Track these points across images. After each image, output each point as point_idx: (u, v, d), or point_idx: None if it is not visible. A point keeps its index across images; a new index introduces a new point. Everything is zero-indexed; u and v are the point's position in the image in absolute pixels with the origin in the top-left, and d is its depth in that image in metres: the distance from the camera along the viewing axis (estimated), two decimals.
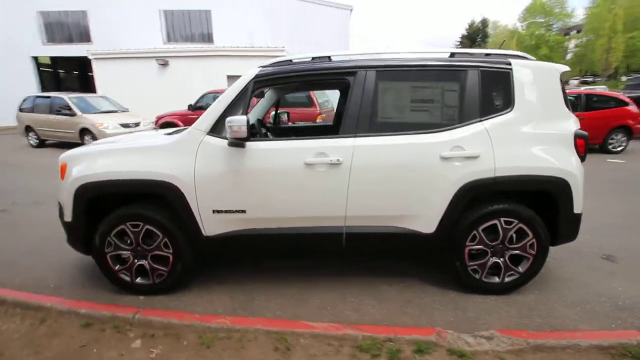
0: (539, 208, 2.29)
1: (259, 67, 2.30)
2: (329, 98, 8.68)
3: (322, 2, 17.65)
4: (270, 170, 2.18)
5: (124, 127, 9.06)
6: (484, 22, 43.44)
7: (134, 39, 15.44)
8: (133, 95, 13.07)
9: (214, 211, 2.23)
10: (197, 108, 8.89)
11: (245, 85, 2.24)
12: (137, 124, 9.30)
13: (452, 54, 2.32)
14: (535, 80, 2.24)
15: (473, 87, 2.21)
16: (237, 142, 2.12)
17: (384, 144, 2.16)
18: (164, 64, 14.01)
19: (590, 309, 2.22)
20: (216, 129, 2.24)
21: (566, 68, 2.34)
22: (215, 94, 8.91)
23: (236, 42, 14.73)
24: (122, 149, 2.35)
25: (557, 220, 2.27)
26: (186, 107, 9.25)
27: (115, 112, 9.90)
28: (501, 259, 2.34)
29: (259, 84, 2.26)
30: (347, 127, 2.19)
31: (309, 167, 2.15)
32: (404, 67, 2.22)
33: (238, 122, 2.01)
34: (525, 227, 2.27)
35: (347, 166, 2.15)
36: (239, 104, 2.25)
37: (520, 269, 2.35)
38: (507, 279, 2.36)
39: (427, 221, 2.25)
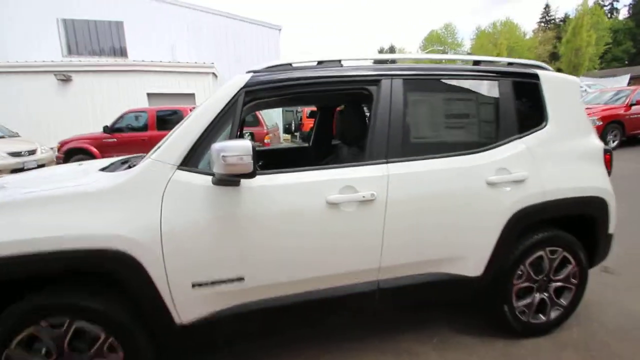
0: (573, 231, 2.06)
1: (249, 71, 1.66)
2: (269, 112, 8.12)
3: (251, 20, 17.16)
4: (280, 215, 1.53)
5: (14, 156, 7.11)
6: (392, 49, 48.71)
7: (27, 51, 12.86)
8: (25, 117, 10.70)
9: (193, 285, 1.47)
10: (115, 130, 7.46)
11: (233, 97, 1.58)
12: (32, 152, 7.41)
13: (477, 62, 1.99)
14: (561, 92, 2.03)
15: (508, 99, 1.90)
16: (231, 180, 1.43)
17: (423, 169, 1.69)
18: (66, 80, 11.81)
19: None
20: (190, 160, 1.52)
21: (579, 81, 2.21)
22: (138, 114, 7.61)
23: (156, 57, 13.26)
24: (24, 200, 1.41)
25: (596, 242, 2.06)
26: (98, 130, 7.70)
27: (2, 137, 7.80)
28: (546, 294, 2.03)
29: (252, 94, 1.62)
30: (375, 151, 1.67)
31: (333, 207, 1.57)
32: (435, 75, 1.81)
33: (238, 150, 1.33)
34: (568, 255, 2.00)
35: (382, 201, 1.61)
36: (224, 123, 1.57)
37: (564, 301, 2.07)
38: (552, 315, 2.06)
39: (474, 261, 1.83)
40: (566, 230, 2.01)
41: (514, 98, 1.91)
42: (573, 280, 2.05)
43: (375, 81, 1.71)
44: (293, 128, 15.92)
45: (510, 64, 2.05)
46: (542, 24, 47.73)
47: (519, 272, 1.94)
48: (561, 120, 1.98)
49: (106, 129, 7.50)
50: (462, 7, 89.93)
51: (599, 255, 2.11)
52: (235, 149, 1.33)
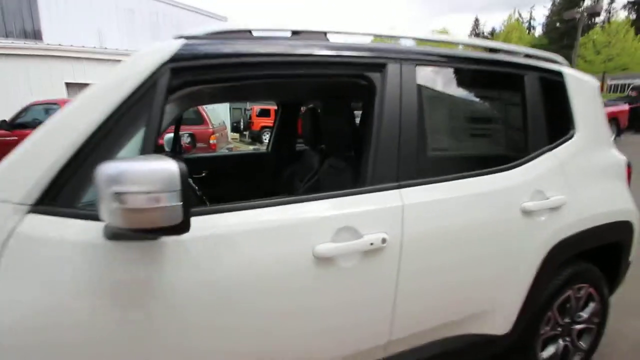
0: (595, 261, 1.72)
1: (177, 36, 0.99)
2: (215, 110, 7.22)
3: (194, 9, 15.75)
4: (235, 289, 0.89)
5: None
6: None
7: None
8: None
9: None
10: (17, 126, 6.01)
11: (148, 79, 0.90)
12: None
13: (493, 50, 1.53)
14: (586, 94, 1.66)
15: (537, 99, 1.47)
16: (139, 235, 0.77)
17: (447, 196, 1.17)
18: None
19: None
20: (59, 194, 0.82)
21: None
22: (48, 106, 6.24)
23: (80, 41, 11.42)
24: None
25: (617, 273, 1.74)
26: None
27: None
28: (568, 339, 1.65)
29: (183, 75, 0.95)
30: (380, 170, 1.11)
31: (324, 263, 0.97)
32: (459, 61, 1.29)
33: (150, 180, 0.67)
34: (593, 291, 1.65)
35: (396, 247, 1.06)
36: (130, 125, 0.89)
37: (584, 344, 1.72)
38: None
39: (504, 315, 1.36)
40: (589, 261, 1.66)
41: (542, 98, 1.48)
42: (595, 320, 1.71)
43: (379, 66, 1.15)
44: (242, 126, 14.93)
45: (528, 55, 1.63)
46: (473, 37, 51.77)
47: (547, 319, 1.53)
48: (588, 129, 1.61)
49: (4, 125, 6.02)
50: (402, 16, 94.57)
51: (617, 284, 1.80)
52: (143, 179, 0.66)
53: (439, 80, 1.28)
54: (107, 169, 0.67)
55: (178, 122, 2.28)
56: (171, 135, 2.36)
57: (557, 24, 38.40)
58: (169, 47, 0.94)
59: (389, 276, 1.07)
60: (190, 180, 1.34)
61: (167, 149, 2.35)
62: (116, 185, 0.65)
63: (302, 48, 1.07)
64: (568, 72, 1.62)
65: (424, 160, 1.19)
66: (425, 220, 1.12)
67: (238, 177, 2.47)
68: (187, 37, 0.98)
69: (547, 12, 42.77)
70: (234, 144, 11.92)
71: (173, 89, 0.94)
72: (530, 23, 50.26)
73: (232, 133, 14.09)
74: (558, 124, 1.54)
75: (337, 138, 1.46)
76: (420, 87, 1.20)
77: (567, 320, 1.61)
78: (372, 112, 1.14)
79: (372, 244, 1.00)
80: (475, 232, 1.21)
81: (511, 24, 30.25)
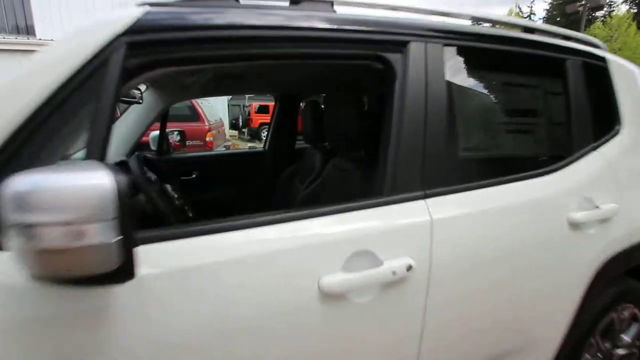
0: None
1: (143, 3, 0.75)
2: (213, 106, 6.97)
3: None
4: (213, 339, 0.67)
5: None
6: None
7: None
8: None
9: None
10: None
11: (95, 55, 0.66)
12: None
13: (529, 29, 1.29)
14: (631, 84, 1.43)
15: (579, 89, 1.24)
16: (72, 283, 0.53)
17: (483, 207, 0.95)
18: None
19: None
20: None
21: None
22: None
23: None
24: None
25: None
26: None
27: None
28: None
29: (146, 50, 0.71)
30: (402, 175, 0.88)
31: (333, 300, 0.75)
32: (494, 41, 1.05)
33: (71, 199, 0.43)
34: (637, 311, 1.44)
35: (423, 274, 0.83)
36: (70, 117, 0.66)
37: None
38: None
39: (544, 349, 1.14)
40: (634, 277, 1.44)
41: (585, 87, 1.25)
42: (638, 343, 1.49)
43: (399, 45, 0.91)
44: (240, 123, 14.69)
45: (566, 37, 1.39)
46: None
47: (588, 346, 1.31)
48: (635, 124, 1.38)
49: None
50: None
51: None
52: (59, 201, 0.43)
53: (471, 64, 1.04)
54: (13, 185, 0.44)
55: (164, 118, 2.05)
56: (157, 132, 2.13)
57: (558, 19, 38.09)
58: (126, 16, 0.70)
59: (414, 311, 0.84)
60: (169, 187, 1.12)
61: (152, 147, 2.13)
62: (21, 212, 0.42)
63: (302, 20, 0.84)
64: (612, 58, 1.39)
65: (454, 162, 0.96)
66: (458, 239, 0.89)
67: (232, 178, 2.25)
68: (151, 4, 0.74)
69: (547, 7, 42.46)
70: (232, 142, 11.69)
71: (133, 70, 0.71)
72: (530, 17, 49.82)
73: (230, 130, 13.86)
74: (602, 119, 1.31)
75: (344, 135, 1.23)
76: (449, 73, 0.97)
77: (608, 345, 1.40)
78: (390, 103, 0.91)
79: (394, 273, 0.78)
80: (516, 253, 0.98)
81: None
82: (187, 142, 5.67)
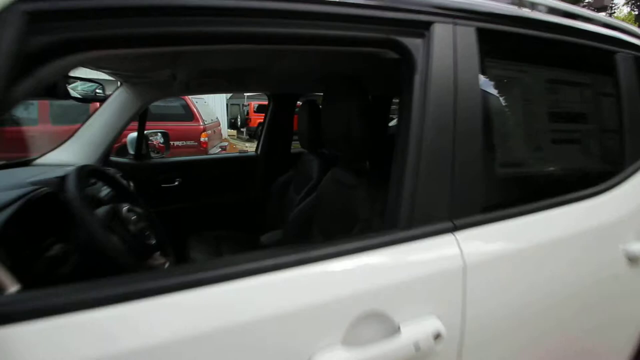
0: None
1: None
2: (209, 105, 6.74)
3: None
4: None
5: None
6: None
7: None
8: None
9: None
10: None
11: None
12: None
13: (570, 14, 1.06)
14: None
15: (632, 89, 1.01)
16: None
17: (531, 243, 0.72)
18: None
19: None
20: None
21: None
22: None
23: None
24: None
25: None
26: None
27: None
28: None
29: (55, 25, 0.48)
30: (421, 199, 0.65)
31: None
32: (536, 27, 0.82)
33: None
34: None
35: (454, 342, 0.61)
36: None
37: None
38: None
39: None
40: None
41: (638, 87, 1.03)
42: None
43: (420, 26, 0.69)
44: (239, 123, 14.46)
45: (610, 26, 1.17)
46: None
47: None
48: None
49: None
50: None
51: None
52: None
53: (511, 54, 0.81)
54: None
55: (143, 118, 1.83)
56: (135, 134, 1.91)
57: None
58: None
59: None
60: (125, 208, 0.89)
61: (130, 151, 1.90)
62: None
63: None
64: None
65: (491, 180, 0.74)
66: (501, 288, 0.67)
67: (220, 186, 2.03)
68: None
69: None
70: (231, 141, 11.47)
71: (42, 52, 0.49)
72: None
73: (229, 130, 13.63)
74: None
75: (345, 142, 1.01)
76: (484, 64, 0.74)
77: None
78: (407, 104, 0.69)
79: (417, 347, 0.55)
80: (570, 299, 0.76)
81: None
82: (180, 143, 5.51)
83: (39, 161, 1.62)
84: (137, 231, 0.85)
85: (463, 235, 0.66)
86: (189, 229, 1.93)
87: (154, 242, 0.91)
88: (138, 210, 0.95)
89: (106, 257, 0.72)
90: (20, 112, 5.95)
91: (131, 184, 1.80)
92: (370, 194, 0.96)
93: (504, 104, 0.81)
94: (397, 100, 1.98)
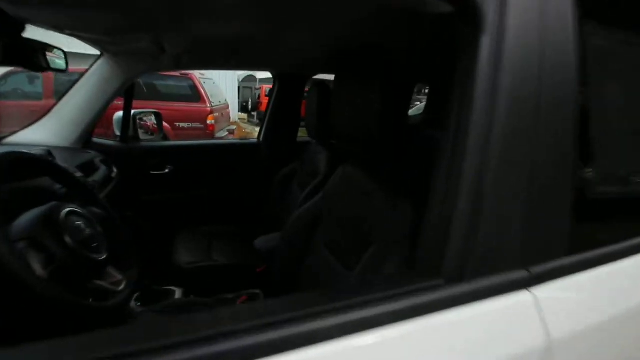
0: None
1: None
2: (218, 86, 6.47)
3: None
4: None
5: None
6: None
7: None
8: None
9: None
10: None
11: None
12: None
13: None
14: None
15: None
16: None
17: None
18: None
19: None
20: None
21: None
22: (33, 74, 5.61)
23: None
24: None
25: None
26: None
27: None
28: None
29: None
30: (476, 233, 0.41)
31: None
32: None
33: None
34: None
35: None
36: None
37: None
38: None
39: None
40: None
41: None
42: None
43: None
44: (250, 107, 14.21)
45: None
46: None
47: None
48: None
49: None
50: None
51: None
52: None
53: (620, 16, 0.55)
54: None
55: (129, 94, 1.60)
56: (121, 113, 1.70)
57: None
58: None
59: None
60: (66, 209, 0.68)
61: (117, 132, 1.69)
62: None
63: None
64: None
65: (586, 204, 0.49)
66: None
67: (215, 175, 1.81)
68: None
69: None
70: (241, 125, 11.26)
71: None
72: None
73: (239, 113, 13.42)
74: None
75: (361, 133, 0.76)
76: (583, 34, 0.48)
77: None
78: (466, 85, 0.44)
79: None
80: None
81: None
82: (186, 125, 5.30)
83: (7, 140, 1.43)
84: (77, 243, 0.64)
85: (544, 291, 0.42)
86: (178, 222, 1.73)
87: (104, 256, 0.69)
88: (87, 213, 0.73)
89: (17, 288, 0.51)
90: (25, 85, 5.83)
91: (114, 170, 1.60)
92: (390, 206, 0.72)
93: (609, 92, 0.55)
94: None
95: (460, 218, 0.41)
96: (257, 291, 1.37)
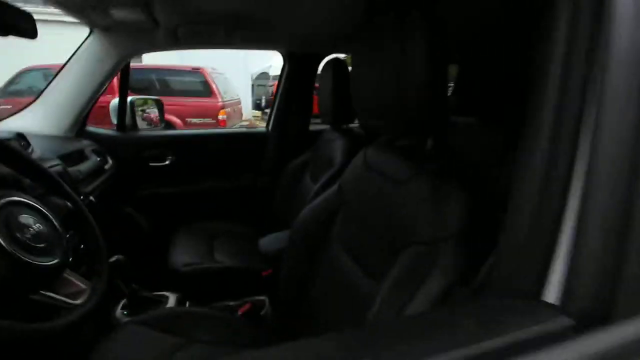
0: None
1: None
2: (230, 82, 6.32)
3: None
4: None
5: None
6: None
7: None
8: None
9: None
10: (9, 94, 5.47)
11: None
12: None
13: None
14: None
15: None
16: None
17: None
18: None
19: None
20: None
21: None
22: (48, 71, 5.63)
23: None
24: None
25: None
26: None
27: None
28: None
29: None
30: (580, 250, 0.22)
31: None
32: None
33: None
34: None
35: None
36: None
37: None
38: None
39: None
40: None
41: None
42: None
43: None
44: (263, 104, 14.14)
45: None
46: None
47: None
48: None
49: None
50: None
51: None
52: None
53: None
54: None
55: (124, 77, 1.45)
56: (133, 98, 1.56)
57: None
58: None
59: None
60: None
61: (113, 121, 1.55)
62: None
63: None
64: None
65: None
66: None
67: (219, 167, 1.65)
68: None
69: None
70: (254, 122, 11.17)
71: None
72: None
73: (254, 111, 13.34)
74: None
75: (399, 102, 0.57)
76: None
77: None
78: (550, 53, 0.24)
79: None
80: None
81: None
82: (198, 120, 5.20)
83: None
84: (15, 243, 0.48)
85: None
86: (177, 219, 1.58)
87: (55, 260, 0.53)
88: (42, 205, 0.57)
89: None
90: (39, 83, 5.87)
91: (109, 160, 1.46)
92: (433, 198, 0.53)
93: None
94: None
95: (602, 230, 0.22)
96: (263, 298, 1.20)
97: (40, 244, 0.53)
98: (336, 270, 0.75)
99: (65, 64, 1.32)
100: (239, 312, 0.93)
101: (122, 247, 1.42)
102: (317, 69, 1.67)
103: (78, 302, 0.56)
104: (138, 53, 1.37)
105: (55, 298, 0.54)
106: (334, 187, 0.87)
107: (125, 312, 0.97)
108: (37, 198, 0.60)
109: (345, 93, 1.19)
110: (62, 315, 0.53)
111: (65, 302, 0.54)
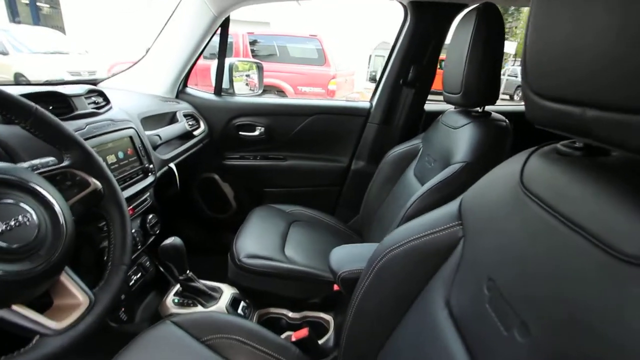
0: None
1: None
2: (346, 52, 6.06)
3: None
4: None
5: (73, 76, 6.66)
6: None
7: None
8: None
9: None
10: None
11: None
12: (92, 72, 6.86)
13: None
14: None
15: None
16: None
17: None
18: None
19: None
20: None
21: None
22: None
23: None
24: None
25: None
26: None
27: (66, 53, 7.40)
28: None
29: None
30: None
31: None
32: None
33: None
34: None
35: None
36: None
37: None
38: None
39: None
40: None
41: None
42: None
43: None
44: (378, 77, 13.54)
45: None
46: None
47: None
48: None
49: None
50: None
51: None
52: None
53: None
54: None
55: (223, 36, 1.33)
56: (233, 61, 1.46)
57: None
58: None
59: None
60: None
61: (212, 83, 1.47)
62: None
63: None
64: None
65: None
66: None
67: (314, 143, 1.44)
68: None
69: None
70: (366, 95, 10.77)
71: None
72: None
73: (367, 82, 12.91)
74: None
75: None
76: None
77: None
78: None
79: None
80: None
81: None
82: (308, 89, 5.15)
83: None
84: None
85: None
86: (254, 196, 1.46)
87: (32, 266, 0.38)
88: (47, 190, 0.43)
89: None
90: None
91: (202, 125, 1.40)
92: None
93: None
94: None
95: None
96: (328, 318, 0.97)
97: (14, 243, 0.38)
98: (434, 342, 0.45)
99: (166, 23, 1.25)
100: (292, 338, 0.72)
101: (184, 227, 1.35)
102: (448, 27, 1.25)
103: (62, 324, 0.42)
104: (235, 6, 1.21)
105: (25, 317, 0.39)
106: (453, 206, 0.53)
107: (175, 301, 0.87)
108: (51, 177, 0.47)
109: (496, 60, 0.79)
110: (39, 345, 0.39)
111: (38, 324, 0.40)
